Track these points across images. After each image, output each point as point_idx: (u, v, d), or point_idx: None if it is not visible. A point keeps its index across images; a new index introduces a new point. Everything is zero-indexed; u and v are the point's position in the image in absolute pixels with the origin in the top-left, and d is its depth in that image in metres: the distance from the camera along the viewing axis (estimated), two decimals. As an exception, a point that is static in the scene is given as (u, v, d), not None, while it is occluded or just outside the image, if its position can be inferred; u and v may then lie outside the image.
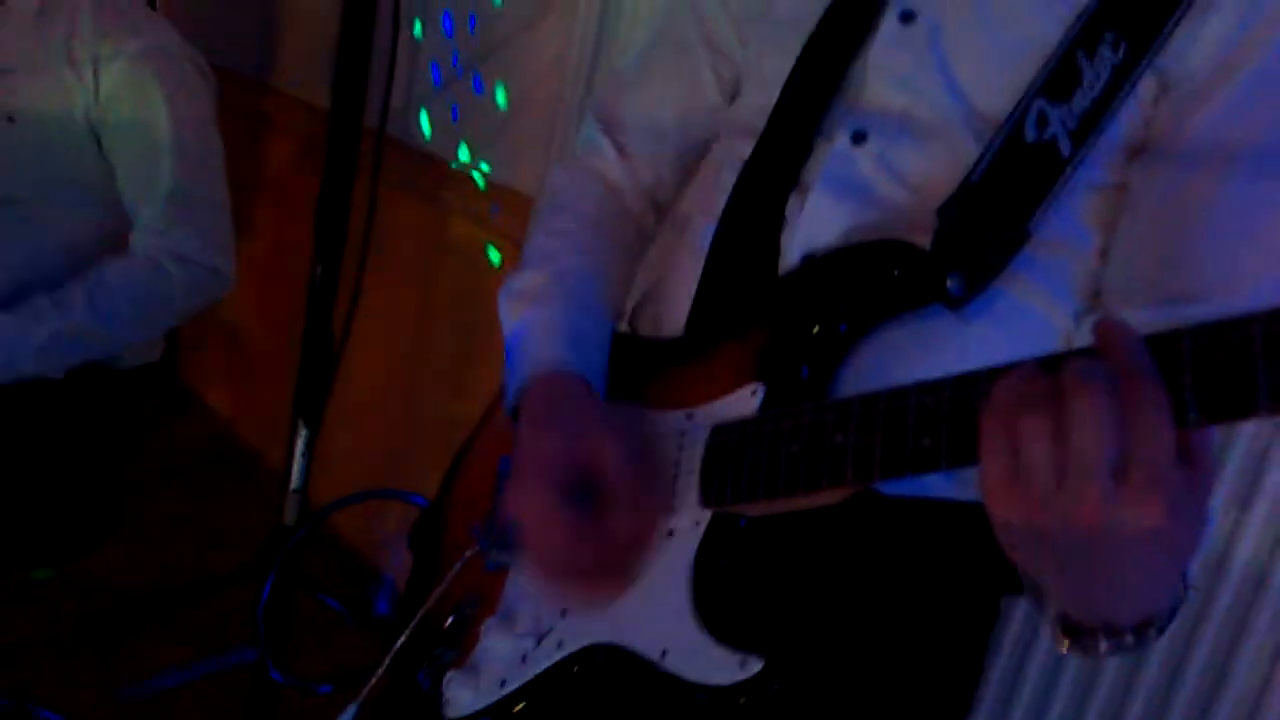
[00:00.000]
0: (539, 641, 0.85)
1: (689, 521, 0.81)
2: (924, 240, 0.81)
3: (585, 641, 0.82)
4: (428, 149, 2.18)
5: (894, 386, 0.68)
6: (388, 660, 0.88)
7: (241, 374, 2.92)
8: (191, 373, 2.82)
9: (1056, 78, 0.79)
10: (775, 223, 0.89)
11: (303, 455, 1.71)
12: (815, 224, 0.87)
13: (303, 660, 1.86)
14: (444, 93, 2.14)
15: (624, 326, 1.06)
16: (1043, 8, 0.82)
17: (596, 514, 0.81)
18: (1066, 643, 0.67)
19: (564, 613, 0.85)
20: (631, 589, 0.82)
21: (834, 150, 0.88)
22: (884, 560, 0.85)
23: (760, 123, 0.93)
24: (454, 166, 2.12)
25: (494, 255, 2.08)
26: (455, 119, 2.12)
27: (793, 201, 0.89)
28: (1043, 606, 0.68)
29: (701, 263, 0.93)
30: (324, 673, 1.66)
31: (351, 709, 0.85)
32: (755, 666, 0.71)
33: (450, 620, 0.92)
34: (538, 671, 0.84)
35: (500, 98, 2.02)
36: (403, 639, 0.89)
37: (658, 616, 0.78)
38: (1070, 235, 0.84)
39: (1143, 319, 0.68)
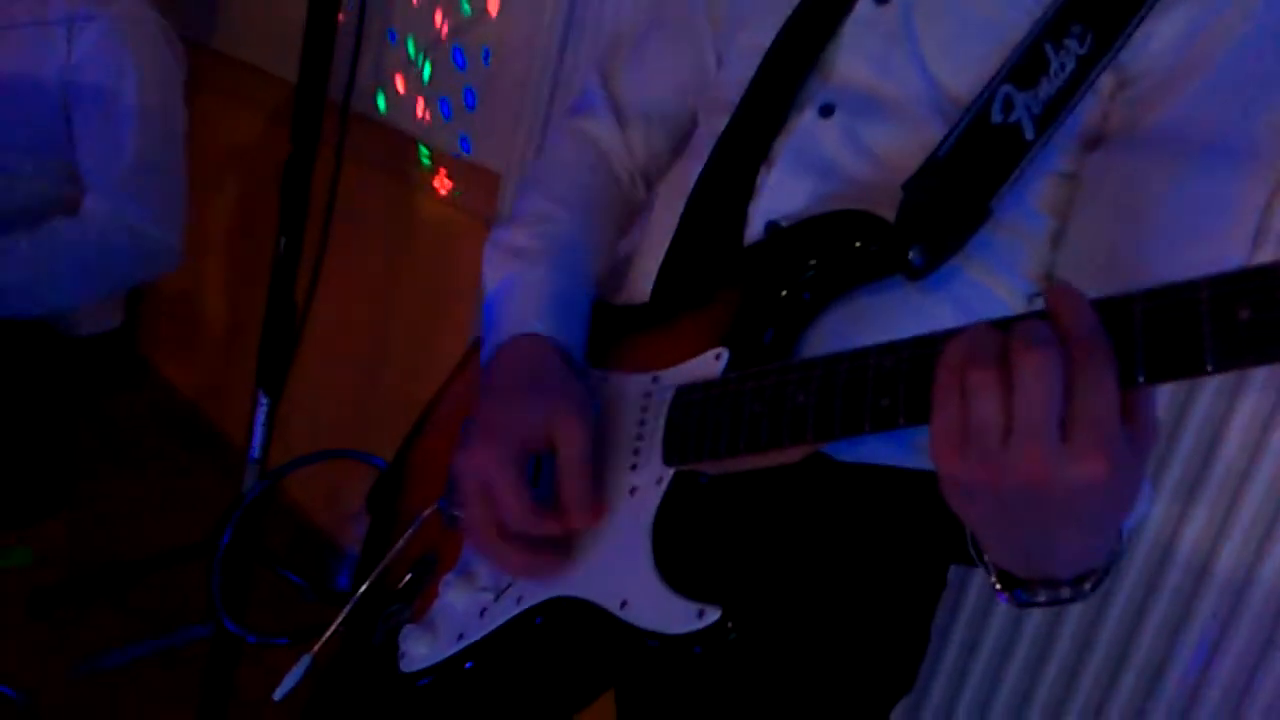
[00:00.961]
0: (498, 596, 0.85)
1: (651, 479, 0.82)
2: (887, 213, 0.82)
3: (544, 596, 0.83)
4: (393, 123, 2.17)
5: (855, 348, 0.69)
6: (343, 614, 0.88)
7: (204, 345, 2.89)
8: (152, 344, 2.78)
9: (1024, 65, 0.81)
10: (745, 194, 0.90)
11: (263, 425, 1.70)
12: (779, 194, 0.88)
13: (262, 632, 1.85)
14: (411, 68, 2.13)
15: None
16: None
17: (545, 494, 0.82)
18: (1004, 593, 0.68)
19: None
20: (592, 546, 0.82)
21: (802, 123, 0.89)
22: (835, 522, 0.87)
23: (737, 97, 0.94)
24: (420, 141, 2.11)
25: (458, 230, 2.08)
26: (422, 94, 2.11)
27: (762, 173, 0.90)
28: (983, 558, 0.69)
29: (671, 233, 0.94)
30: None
31: (305, 659, 0.85)
32: (712, 616, 0.72)
33: (408, 578, 0.93)
34: (496, 625, 0.84)
35: (469, 74, 2.02)
36: (360, 593, 0.89)
37: (619, 569, 0.79)
38: (1025, 219, 0.86)
39: None
